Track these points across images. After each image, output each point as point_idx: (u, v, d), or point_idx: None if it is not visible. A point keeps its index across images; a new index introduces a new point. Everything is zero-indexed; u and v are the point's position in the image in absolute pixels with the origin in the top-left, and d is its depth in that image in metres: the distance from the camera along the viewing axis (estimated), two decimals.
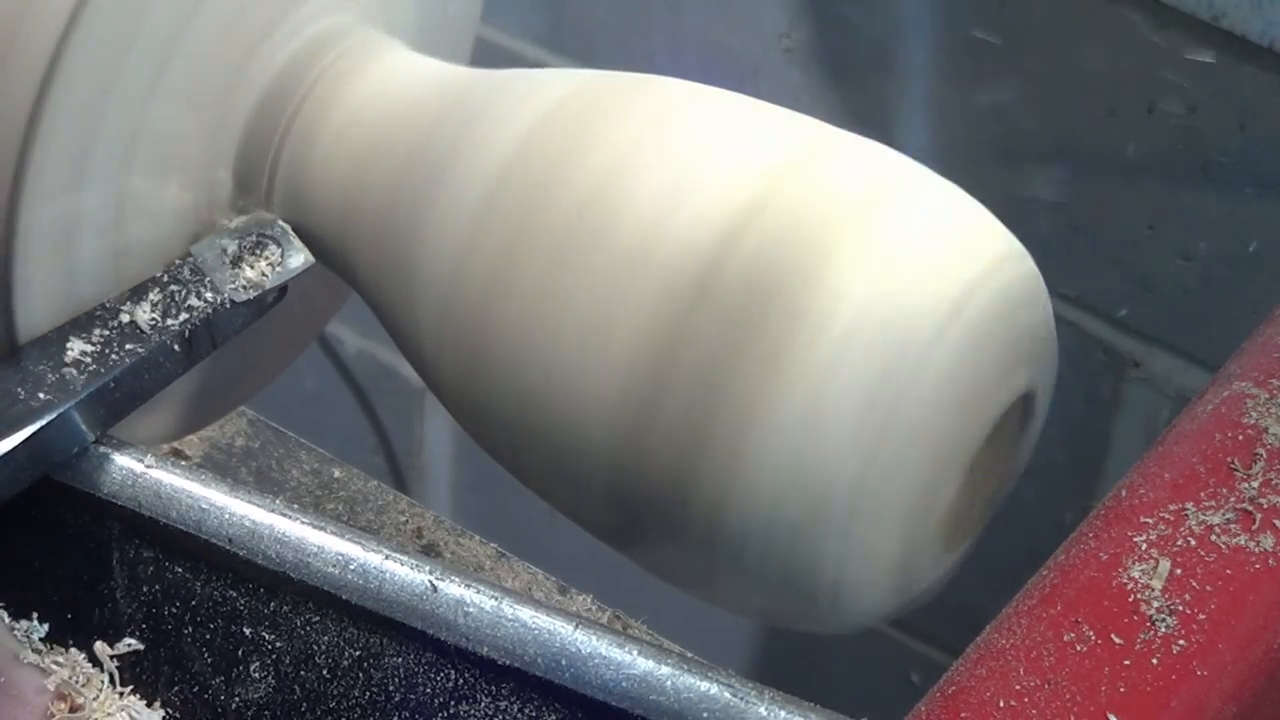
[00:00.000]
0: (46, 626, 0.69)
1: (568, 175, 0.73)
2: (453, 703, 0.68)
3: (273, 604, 0.70)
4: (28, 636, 0.68)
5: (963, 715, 0.64)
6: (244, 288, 0.76)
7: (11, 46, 0.70)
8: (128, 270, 0.76)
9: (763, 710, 0.65)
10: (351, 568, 0.69)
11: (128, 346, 0.73)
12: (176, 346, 0.74)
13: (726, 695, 0.65)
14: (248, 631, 0.70)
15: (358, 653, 0.69)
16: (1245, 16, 1.08)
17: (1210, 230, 1.16)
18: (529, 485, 0.78)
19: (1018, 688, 0.64)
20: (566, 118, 0.75)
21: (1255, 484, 0.71)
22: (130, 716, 0.68)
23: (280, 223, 0.78)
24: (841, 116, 1.00)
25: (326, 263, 0.80)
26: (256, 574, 0.70)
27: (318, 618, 0.69)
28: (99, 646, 0.69)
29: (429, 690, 0.69)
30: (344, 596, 0.69)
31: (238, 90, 0.78)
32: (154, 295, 0.75)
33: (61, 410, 0.70)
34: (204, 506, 0.70)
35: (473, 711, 0.68)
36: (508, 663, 0.67)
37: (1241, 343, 0.79)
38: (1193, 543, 0.69)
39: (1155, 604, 0.67)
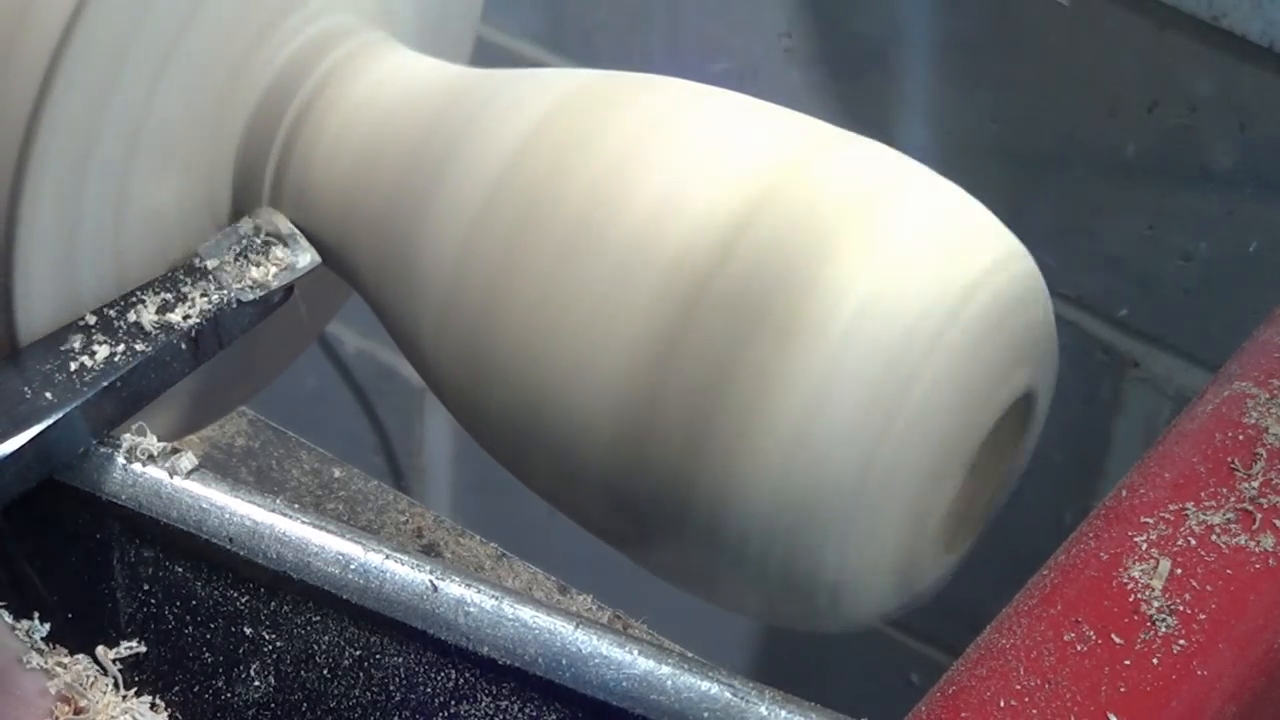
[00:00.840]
0: (48, 626, 0.69)
1: (568, 176, 0.73)
2: (453, 702, 0.68)
3: (273, 604, 0.70)
4: (29, 636, 0.68)
5: (963, 715, 0.64)
6: (250, 287, 0.76)
7: (12, 47, 0.70)
8: (128, 270, 0.76)
9: (763, 710, 0.65)
10: (352, 567, 0.69)
11: (135, 346, 0.73)
12: (183, 346, 0.74)
13: (727, 695, 0.65)
14: (248, 631, 0.70)
15: (358, 652, 0.69)
16: (1245, 16, 1.08)
17: (1210, 230, 1.16)
18: (529, 485, 0.78)
19: (1018, 688, 0.64)
20: (567, 118, 0.75)
21: (1255, 484, 0.71)
22: (134, 718, 0.68)
23: (286, 221, 0.78)
24: (841, 116, 1.00)
25: (327, 263, 0.80)
26: (257, 574, 0.70)
27: (318, 617, 0.69)
28: (100, 650, 0.69)
29: (429, 690, 0.69)
30: (344, 596, 0.69)
31: (238, 90, 0.78)
32: (162, 295, 0.75)
33: (68, 410, 0.70)
34: (204, 506, 0.70)
35: (473, 711, 0.68)
36: (508, 662, 0.67)
37: (1241, 343, 0.79)
38: (1193, 543, 0.69)
39: (1155, 604, 0.67)
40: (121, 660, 0.70)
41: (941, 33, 1.21)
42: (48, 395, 0.70)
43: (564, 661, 0.67)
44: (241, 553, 0.70)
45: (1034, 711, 0.63)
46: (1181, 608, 0.66)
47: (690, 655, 0.69)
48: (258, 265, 0.77)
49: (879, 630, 1.34)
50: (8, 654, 0.67)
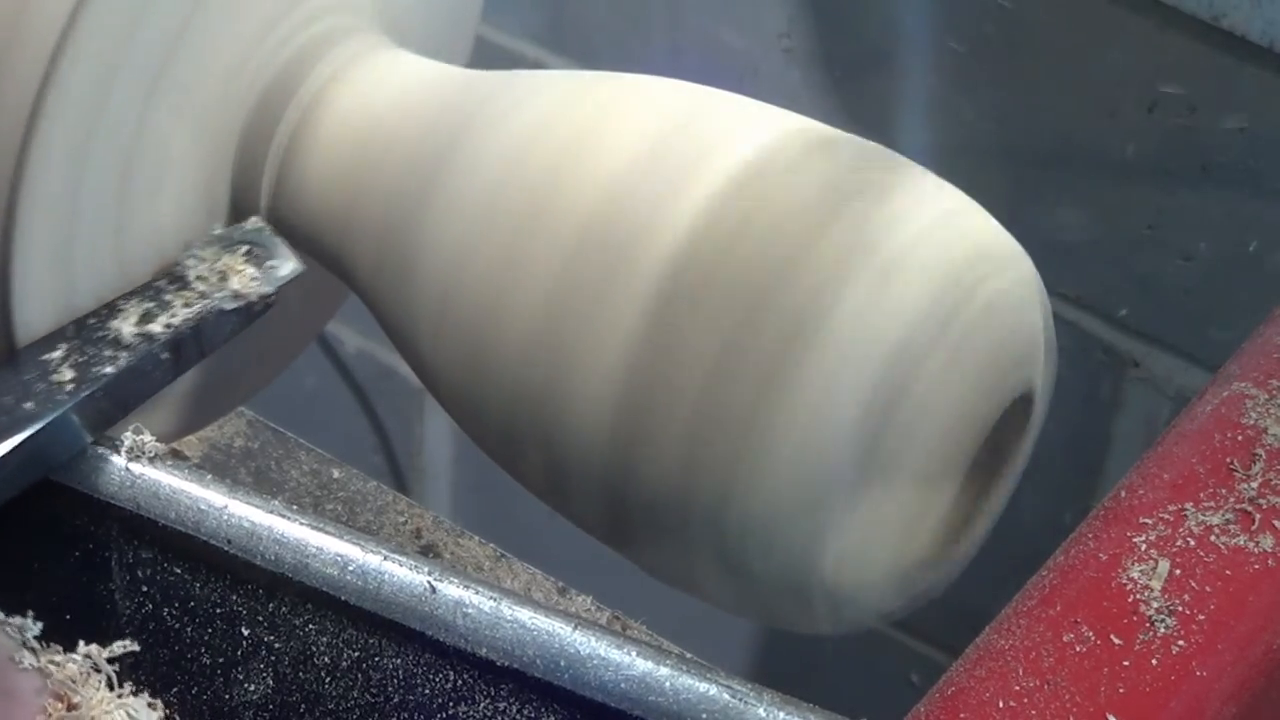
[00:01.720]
0: (40, 624, 0.69)
1: (567, 177, 0.73)
2: (451, 704, 0.68)
3: (271, 605, 0.70)
4: (21, 633, 0.68)
5: (962, 715, 0.64)
6: (231, 296, 0.76)
7: (6, 58, 0.69)
8: (126, 273, 0.76)
9: (762, 711, 0.65)
10: (350, 569, 0.69)
11: (115, 355, 0.73)
12: (164, 355, 0.74)
13: (725, 696, 0.65)
14: (246, 632, 0.70)
15: (356, 654, 0.69)
16: (1245, 16, 1.08)
17: (1210, 230, 1.16)
18: (526, 485, 0.78)
19: (1017, 688, 0.64)
20: (566, 119, 0.75)
21: (1254, 484, 0.71)
22: (128, 715, 0.68)
23: (269, 230, 0.78)
24: (841, 116, 1.00)
25: (326, 265, 0.80)
26: (255, 575, 0.70)
27: (316, 619, 0.69)
28: (93, 649, 0.69)
29: (428, 691, 0.68)
30: (343, 597, 0.69)
31: (236, 91, 0.78)
32: (143, 304, 0.75)
33: (50, 418, 0.70)
34: (203, 507, 0.70)
35: (471, 712, 0.68)
36: (506, 664, 0.67)
37: (1241, 343, 0.79)
38: (1192, 543, 0.69)
39: (1155, 604, 0.67)
40: (119, 661, 0.70)
41: (941, 33, 1.21)
42: (29, 404, 0.70)
43: (562, 663, 0.67)
44: (240, 554, 0.69)
45: (1033, 712, 0.63)
46: (1180, 608, 0.66)
47: (689, 656, 0.69)
48: (239, 274, 0.76)
49: (879, 630, 1.34)
50: (0, 652, 0.67)
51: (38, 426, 0.69)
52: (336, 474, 1.05)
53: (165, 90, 0.74)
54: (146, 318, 0.74)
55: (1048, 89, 1.19)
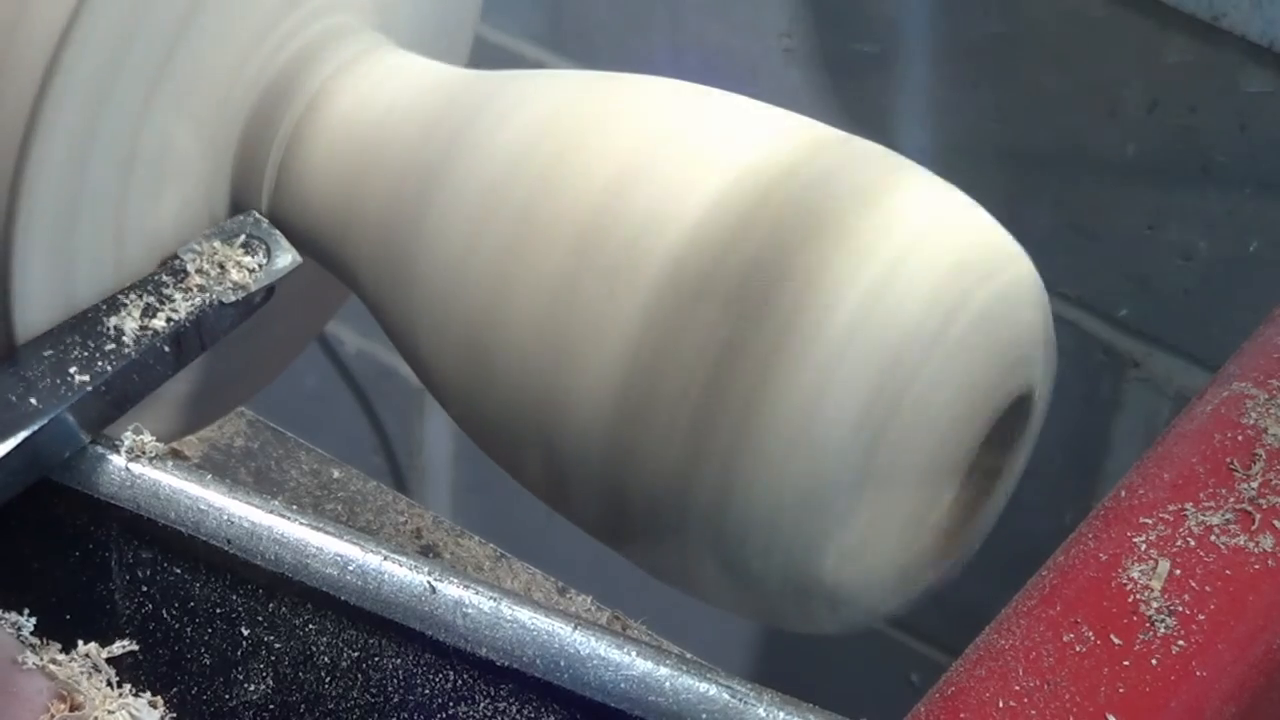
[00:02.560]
0: (34, 620, 0.69)
1: (567, 177, 0.73)
2: (451, 704, 0.68)
3: (271, 605, 0.70)
4: (16, 630, 0.68)
5: (962, 715, 0.64)
6: (231, 289, 0.76)
7: (6, 58, 0.69)
8: (126, 271, 0.76)
9: (762, 711, 0.65)
10: (350, 569, 0.69)
11: (117, 350, 0.73)
12: (166, 349, 0.74)
13: (725, 696, 0.65)
14: (246, 632, 0.70)
15: (356, 654, 0.69)
16: (1245, 16, 1.08)
17: (1210, 230, 1.16)
18: (526, 485, 0.78)
19: (1017, 688, 0.64)
20: (566, 119, 0.75)
21: (1254, 484, 0.71)
22: (130, 715, 0.68)
23: (266, 222, 0.78)
24: (841, 116, 1.00)
25: (325, 264, 0.80)
26: (255, 575, 0.70)
27: (316, 619, 0.69)
28: (92, 649, 0.69)
29: (427, 691, 0.68)
30: (342, 597, 0.69)
31: (236, 91, 0.78)
32: (143, 298, 0.75)
33: (52, 415, 0.70)
34: (203, 507, 0.70)
35: (471, 712, 0.68)
36: (506, 664, 0.67)
37: (1241, 343, 0.79)
38: (1192, 543, 0.69)
39: (1155, 604, 0.67)
40: (119, 662, 0.70)
41: (941, 33, 1.21)
42: (33, 400, 0.70)
43: (562, 663, 0.67)
44: (240, 554, 0.69)
45: (1033, 712, 0.63)
46: (1181, 608, 0.66)
47: (689, 656, 0.69)
48: (238, 267, 0.76)
49: (879, 630, 1.34)
50: (3, 652, 0.67)
51: (41, 423, 0.69)
52: (336, 474, 1.05)
53: (166, 90, 0.74)
54: (148, 312, 0.74)
55: (1048, 89, 1.19)
